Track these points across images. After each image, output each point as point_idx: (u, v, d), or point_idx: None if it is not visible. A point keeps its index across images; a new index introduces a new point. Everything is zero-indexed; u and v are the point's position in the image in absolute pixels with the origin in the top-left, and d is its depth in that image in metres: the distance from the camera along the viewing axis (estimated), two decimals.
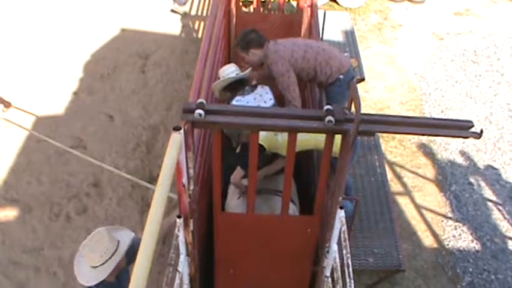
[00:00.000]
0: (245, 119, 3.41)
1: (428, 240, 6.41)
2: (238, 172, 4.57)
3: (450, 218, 6.66)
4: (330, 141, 3.50)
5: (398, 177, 7.07)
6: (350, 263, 3.34)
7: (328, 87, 5.04)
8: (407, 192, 6.89)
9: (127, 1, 10.11)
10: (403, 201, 6.78)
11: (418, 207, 6.73)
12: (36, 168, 7.11)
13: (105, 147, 7.39)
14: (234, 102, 4.99)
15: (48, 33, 9.23)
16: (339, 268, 3.60)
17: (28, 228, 6.41)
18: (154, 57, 8.97)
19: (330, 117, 3.25)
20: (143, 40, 9.27)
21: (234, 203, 4.59)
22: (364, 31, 9.74)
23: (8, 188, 6.86)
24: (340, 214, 3.56)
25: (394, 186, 6.94)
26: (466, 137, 3.38)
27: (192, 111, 3.28)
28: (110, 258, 3.74)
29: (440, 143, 7.55)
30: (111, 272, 3.75)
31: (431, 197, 6.89)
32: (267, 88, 5.06)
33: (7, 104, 7.66)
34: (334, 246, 3.72)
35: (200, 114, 3.26)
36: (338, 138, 3.41)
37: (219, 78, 5.20)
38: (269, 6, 8.08)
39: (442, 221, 6.64)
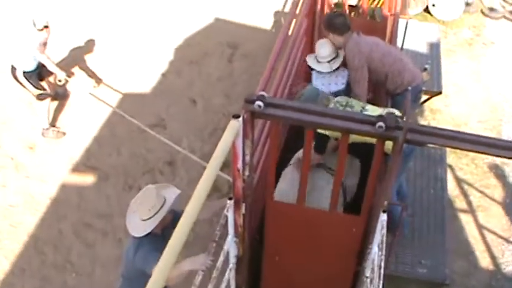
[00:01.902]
0: (302, 115, 3.61)
1: (484, 261, 6.36)
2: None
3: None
4: (380, 146, 3.64)
5: (465, 195, 7.03)
6: (383, 265, 3.48)
7: (395, 96, 5.16)
8: (471, 211, 6.84)
9: None
10: (466, 219, 6.74)
11: (480, 227, 6.68)
12: (118, 141, 7.57)
13: (184, 129, 7.74)
14: (313, 73, 5.45)
15: (145, 18, 9.69)
16: (376, 270, 3.73)
17: (102, 195, 6.88)
18: (242, 49, 9.25)
19: (380, 123, 3.40)
20: (234, 31, 9.56)
21: (285, 182, 4.72)
22: (453, 45, 9.66)
23: (90, 157, 7.35)
24: (382, 217, 3.68)
25: (459, 203, 6.91)
26: None
27: (253, 102, 3.50)
28: (157, 212, 4.13)
29: None
30: (158, 225, 4.13)
31: (495, 219, 6.81)
32: (345, 72, 5.36)
33: (98, 81, 8.21)
34: (375, 249, 3.85)
35: (259, 106, 3.49)
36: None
37: None
38: (360, 11, 8.18)
39: (503, 244, 6.56)
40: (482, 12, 10.61)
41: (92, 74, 8.35)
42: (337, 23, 5.25)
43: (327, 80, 5.31)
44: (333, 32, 5.27)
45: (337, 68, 5.40)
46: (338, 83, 5.31)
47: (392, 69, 5.11)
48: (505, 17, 10.55)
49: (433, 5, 10.14)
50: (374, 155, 3.71)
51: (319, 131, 4.39)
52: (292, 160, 4.95)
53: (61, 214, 6.63)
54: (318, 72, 5.40)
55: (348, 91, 5.30)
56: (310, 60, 5.57)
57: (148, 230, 4.13)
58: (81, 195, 6.87)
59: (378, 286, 3.39)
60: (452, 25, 10.13)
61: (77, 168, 7.18)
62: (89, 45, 8.96)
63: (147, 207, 4.14)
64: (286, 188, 4.58)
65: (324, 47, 5.48)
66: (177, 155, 7.29)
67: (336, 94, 5.11)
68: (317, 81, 5.33)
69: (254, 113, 3.55)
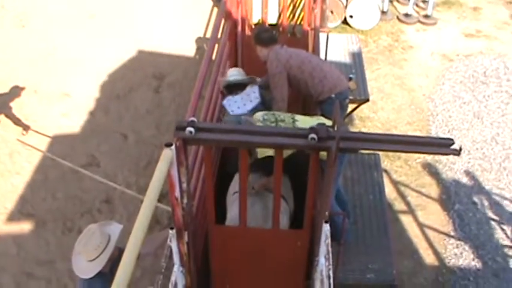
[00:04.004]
0: (234, 136, 3.62)
1: (429, 258, 6.51)
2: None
3: (452, 236, 6.76)
4: (315, 158, 3.68)
5: (403, 196, 7.20)
6: (331, 275, 3.49)
7: (320, 104, 5.27)
8: (410, 211, 7.01)
9: (144, 23, 10.40)
10: (406, 220, 6.90)
11: (421, 226, 6.85)
12: (51, 184, 7.39)
13: (118, 165, 7.64)
14: (224, 101, 5.49)
15: (66, 54, 9.56)
16: (325, 281, 3.74)
17: (42, 241, 6.69)
18: (168, 78, 9.23)
19: (312, 135, 3.43)
20: (159, 62, 9.53)
21: (236, 212, 4.68)
22: (374, 53, 9.92)
23: (24, 203, 7.15)
24: (325, 228, 3.71)
25: (398, 205, 7.07)
26: (446, 154, 3.56)
27: (184, 129, 3.49)
28: (103, 251, 4.05)
29: (446, 163, 7.67)
30: (106, 263, 4.05)
31: (435, 216, 7.00)
32: (255, 87, 5.50)
33: (26, 127, 8.01)
34: (322, 260, 3.86)
35: (191, 132, 3.48)
36: None
37: None
38: (280, 29, 8.31)
39: (444, 239, 6.74)
40: (398, 19, 10.96)
41: (18, 121, 8.13)
42: (263, 36, 5.49)
43: (239, 102, 5.40)
44: (260, 45, 5.48)
45: (245, 89, 5.51)
46: (252, 99, 5.42)
47: (312, 76, 5.26)
48: (419, 21, 10.92)
49: (351, 16, 10.41)
50: (310, 167, 3.74)
51: (260, 155, 4.42)
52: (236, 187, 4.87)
53: (0, 267, 6.41)
54: (228, 100, 5.49)
55: (264, 103, 5.41)
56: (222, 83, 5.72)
57: (97, 270, 4.04)
58: (19, 245, 6.65)
59: None
60: (371, 34, 10.41)
61: (12, 217, 6.97)
62: (14, 91, 8.70)
63: (93, 247, 4.05)
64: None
65: (231, 70, 5.73)
66: (114, 192, 7.19)
67: (254, 110, 5.20)
68: (232, 107, 5.40)
69: (186, 140, 3.53)
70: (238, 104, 5.37)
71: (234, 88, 5.53)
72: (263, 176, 4.65)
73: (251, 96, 5.41)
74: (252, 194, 4.48)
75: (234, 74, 5.62)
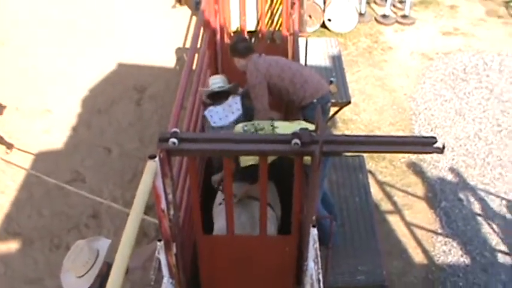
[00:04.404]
0: (217, 145, 3.61)
1: (418, 257, 6.55)
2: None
3: (440, 234, 6.80)
4: (299, 163, 3.68)
5: (389, 197, 7.23)
6: (321, 278, 3.50)
7: (302, 110, 5.27)
8: (397, 211, 7.05)
9: (122, 35, 10.36)
10: (393, 220, 6.93)
11: (408, 225, 6.89)
12: (37, 201, 7.33)
13: (102, 179, 7.60)
14: (205, 112, 5.45)
15: (46, 70, 9.51)
16: (315, 285, 3.74)
17: (29, 259, 6.63)
18: (150, 91, 9.20)
19: (296, 140, 3.44)
20: (139, 74, 9.50)
21: (223, 223, 4.68)
22: (354, 55, 9.97)
23: (10, 222, 7.09)
24: (313, 232, 3.71)
25: (385, 205, 7.10)
26: (430, 152, 3.57)
27: (167, 140, 3.48)
28: (91, 267, 4.00)
29: (430, 161, 7.72)
30: (95, 279, 4.01)
31: (421, 215, 7.04)
32: (237, 98, 5.45)
33: (9, 146, 7.94)
34: (311, 264, 3.86)
35: (174, 143, 3.47)
36: None
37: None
38: (259, 36, 8.33)
39: (432, 237, 6.79)
40: (376, 20, 11.03)
41: (1, 139, 8.04)
42: (239, 47, 5.43)
43: (221, 113, 5.38)
44: (237, 56, 5.44)
45: (227, 99, 5.48)
46: (234, 111, 5.39)
47: (293, 83, 5.25)
48: (397, 21, 11.00)
49: (329, 20, 10.46)
50: (295, 172, 3.74)
51: (242, 164, 4.41)
52: (221, 198, 4.86)
53: None
54: (210, 110, 5.47)
55: (245, 114, 5.39)
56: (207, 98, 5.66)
57: (86, 287, 4.01)
58: (6, 264, 6.59)
59: None
60: (350, 36, 10.46)
61: None
62: None
63: (81, 263, 4.01)
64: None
65: (213, 78, 5.68)
66: (100, 206, 7.15)
67: (237, 121, 5.18)
68: (214, 118, 5.38)
69: (170, 151, 3.52)
70: (220, 115, 5.35)
71: (218, 96, 5.50)
72: (247, 184, 4.64)
73: (233, 107, 5.38)
74: (236, 203, 4.46)
75: (217, 81, 5.57)
